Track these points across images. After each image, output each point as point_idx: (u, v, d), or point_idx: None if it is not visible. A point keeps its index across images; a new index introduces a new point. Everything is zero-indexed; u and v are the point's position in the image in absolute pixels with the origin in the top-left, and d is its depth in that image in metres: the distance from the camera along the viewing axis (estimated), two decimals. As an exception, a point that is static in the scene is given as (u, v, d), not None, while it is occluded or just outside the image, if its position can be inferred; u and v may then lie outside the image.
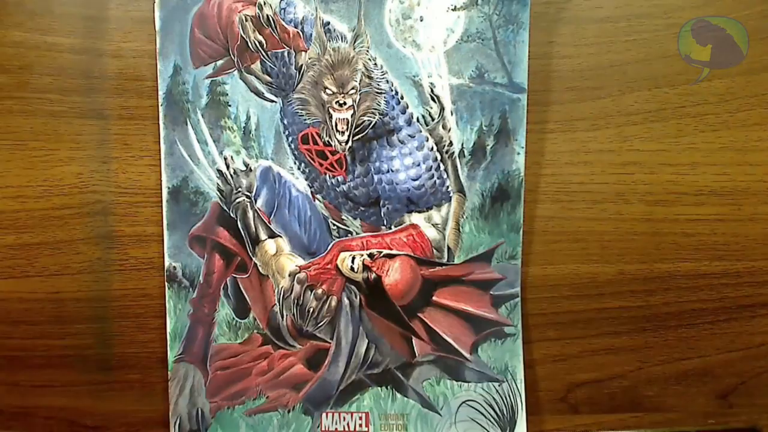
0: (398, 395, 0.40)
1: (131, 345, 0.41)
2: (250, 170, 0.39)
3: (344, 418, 0.40)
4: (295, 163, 0.39)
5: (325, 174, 0.39)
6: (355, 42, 0.37)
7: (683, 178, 0.40)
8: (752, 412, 0.42)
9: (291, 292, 0.39)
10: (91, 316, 0.41)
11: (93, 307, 0.41)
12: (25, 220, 0.39)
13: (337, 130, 0.38)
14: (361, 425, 0.40)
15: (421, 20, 0.37)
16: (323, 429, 0.40)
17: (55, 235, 0.40)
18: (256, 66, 0.38)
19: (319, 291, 0.39)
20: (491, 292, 0.39)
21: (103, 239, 0.40)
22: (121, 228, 0.40)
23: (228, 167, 0.39)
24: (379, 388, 0.40)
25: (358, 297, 0.39)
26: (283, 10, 0.37)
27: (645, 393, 0.42)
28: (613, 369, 0.42)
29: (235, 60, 0.38)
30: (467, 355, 0.39)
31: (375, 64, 0.37)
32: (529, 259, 0.40)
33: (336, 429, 0.40)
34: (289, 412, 0.40)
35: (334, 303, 0.39)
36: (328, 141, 0.38)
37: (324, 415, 0.40)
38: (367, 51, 0.37)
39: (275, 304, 0.40)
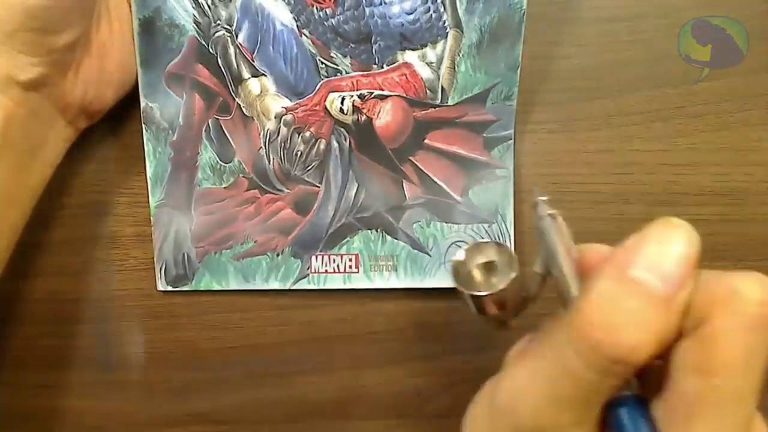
0: (388, 238, 0.38)
1: (131, 345, 0.41)
2: (230, 0, 0.36)
3: (334, 260, 0.39)
4: (279, -9, 0.36)
5: (312, 6, 0.36)
6: None
7: (683, 178, 0.39)
8: (752, 413, 0.42)
9: (278, 135, 0.38)
10: (91, 316, 0.40)
11: (93, 307, 0.40)
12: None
13: (325, -46, 0.35)
14: (351, 266, 0.39)
15: None
16: (313, 270, 0.39)
17: (54, 234, 0.40)
18: None
19: (307, 134, 0.38)
20: (484, 135, 0.38)
21: (103, 239, 0.40)
22: (121, 228, 0.40)
23: (204, -4, 0.36)
24: (369, 231, 0.38)
25: (347, 140, 0.38)
26: None
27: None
28: (613, 369, 0.41)
29: None
30: (458, 198, 0.38)
31: None
32: (529, 259, 0.39)
33: (326, 270, 0.39)
34: (278, 255, 0.39)
35: (322, 146, 0.38)
36: (314, -34, 0.35)
37: (314, 257, 0.39)
38: None
39: (261, 147, 0.38)
